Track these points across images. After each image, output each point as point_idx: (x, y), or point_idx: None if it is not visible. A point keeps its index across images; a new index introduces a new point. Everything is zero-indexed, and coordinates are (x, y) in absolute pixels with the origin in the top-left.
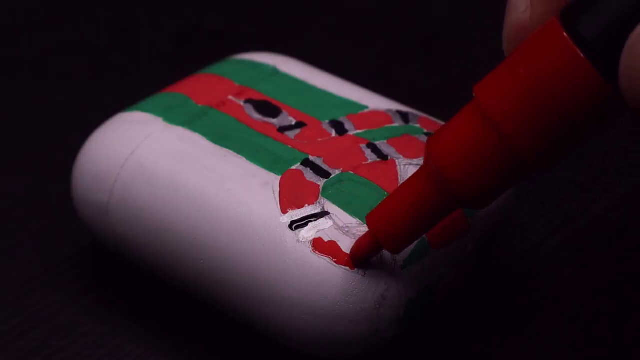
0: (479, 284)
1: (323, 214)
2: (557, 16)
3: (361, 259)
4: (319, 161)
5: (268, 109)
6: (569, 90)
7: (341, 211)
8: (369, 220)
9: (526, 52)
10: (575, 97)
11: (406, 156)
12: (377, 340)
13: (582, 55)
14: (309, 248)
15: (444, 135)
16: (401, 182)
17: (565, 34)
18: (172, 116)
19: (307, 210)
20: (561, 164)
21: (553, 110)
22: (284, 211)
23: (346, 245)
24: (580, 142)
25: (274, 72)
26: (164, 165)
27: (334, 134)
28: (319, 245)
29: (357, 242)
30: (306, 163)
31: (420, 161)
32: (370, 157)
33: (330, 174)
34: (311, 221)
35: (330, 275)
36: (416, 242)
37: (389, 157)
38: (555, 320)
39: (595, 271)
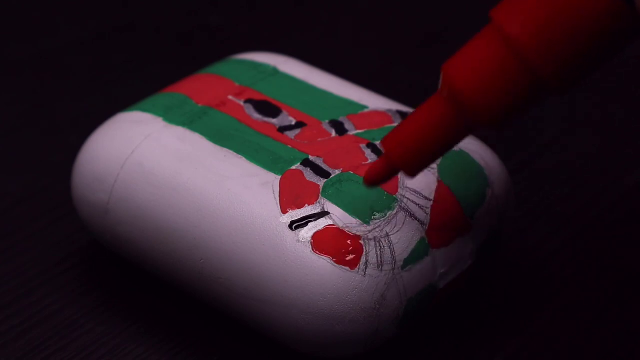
0: (479, 284)
1: (323, 214)
2: None
3: (375, 182)
4: (319, 161)
5: (268, 109)
6: (590, 8)
7: (341, 211)
8: (384, 143)
9: None
10: (594, 16)
11: None
12: (377, 340)
13: None
14: (308, 248)
15: (460, 59)
16: (401, 182)
17: None
18: (172, 116)
19: (307, 210)
20: (561, 164)
21: (572, 28)
22: (284, 211)
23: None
24: (597, 63)
25: (274, 72)
26: (164, 165)
27: (334, 134)
28: (318, 245)
29: (371, 165)
30: (306, 163)
31: None
32: (370, 157)
33: (330, 174)
34: (311, 221)
35: (330, 275)
36: (416, 242)
37: None
38: (556, 320)
39: (595, 271)
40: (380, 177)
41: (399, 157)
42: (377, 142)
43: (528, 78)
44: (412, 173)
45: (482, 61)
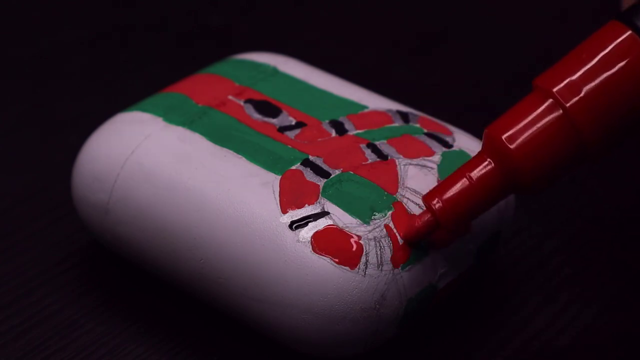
0: (479, 284)
1: (323, 214)
2: (615, 18)
3: (417, 237)
4: (319, 161)
5: (268, 109)
6: (637, 82)
7: (341, 211)
8: (427, 200)
9: (593, 49)
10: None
11: (406, 156)
12: (376, 340)
13: None
14: (308, 248)
15: (510, 124)
16: (401, 182)
17: (629, 30)
18: (172, 116)
19: (307, 210)
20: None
21: (622, 103)
22: (284, 211)
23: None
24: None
25: (274, 72)
26: (164, 165)
27: (334, 134)
28: (318, 245)
29: (411, 222)
30: (306, 163)
31: (420, 161)
32: (370, 157)
33: (330, 174)
34: (311, 221)
35: (330, 275)
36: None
37: (389, 157)
38: (556, 320)
39: (595, 271)
40: (423, 233)
41: (446, 219)
42: (377, 142)
43: (576, 149)
44: (454, 229)
45: (537, 129)
